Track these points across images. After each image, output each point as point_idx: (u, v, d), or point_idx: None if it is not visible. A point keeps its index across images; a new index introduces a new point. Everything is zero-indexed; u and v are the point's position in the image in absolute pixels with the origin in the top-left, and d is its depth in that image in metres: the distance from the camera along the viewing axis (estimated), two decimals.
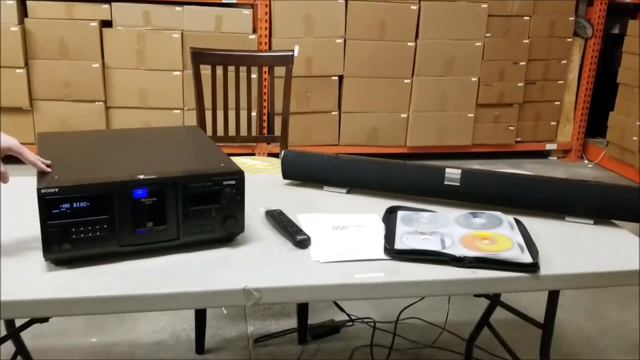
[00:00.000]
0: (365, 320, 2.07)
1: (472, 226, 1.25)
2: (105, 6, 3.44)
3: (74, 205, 1.06)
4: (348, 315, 2.04)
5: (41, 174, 1.10)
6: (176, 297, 1.03)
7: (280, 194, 1.51)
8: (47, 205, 1.04)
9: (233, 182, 1.17)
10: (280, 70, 2.12)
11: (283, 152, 1.57)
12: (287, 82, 2.12)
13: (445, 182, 1.41)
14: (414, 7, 3.70)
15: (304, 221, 1.32)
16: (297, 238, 1.20)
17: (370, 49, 3.75)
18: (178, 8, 3.49)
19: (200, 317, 1.88)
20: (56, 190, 1.05)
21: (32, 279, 1.04)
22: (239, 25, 3.54)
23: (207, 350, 1.91)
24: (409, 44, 3.77)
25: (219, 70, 2.07)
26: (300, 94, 3.71)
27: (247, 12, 3.55)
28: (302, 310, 1.95)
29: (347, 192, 1.53)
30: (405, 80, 3.85)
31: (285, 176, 1.57)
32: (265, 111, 3.43)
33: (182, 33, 3.51)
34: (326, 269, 1.12)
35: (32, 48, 3.40)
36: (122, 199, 1.09)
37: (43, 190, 1.04)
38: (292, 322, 2.07)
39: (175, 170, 1.16)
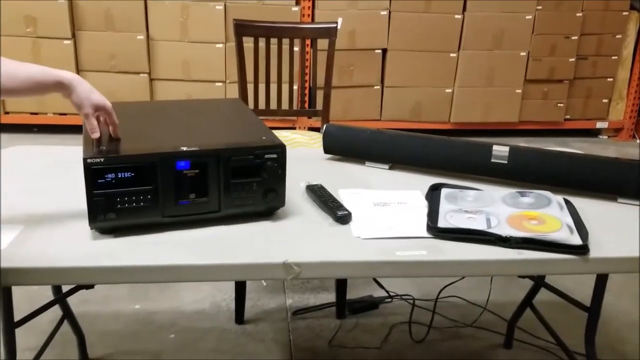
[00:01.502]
0: (404, 297, 2.06)
1: (519, 205, 1.21)
2: None
3: (119, 175, 1.07)
4: (387, 291, 2.03)
5: (88, 144, 1.12)
6: (217, 268, 1.03)
7: (321, 169, 1.50)
8: (93, 174, 1.06)
9: (275, 155, 1.16)
10: (323, 43, 2.09)
11: (325, 126, 1.55)
12: (330, 55, 2.09)
13: (492, 160, 1.37)
14: None
15: (345, 197, 1.31)
16: (338, 213, 1.19)
17: (415, 22, 3.66)
18: None
19: (240, 288, 1.90)
20: (102, 160, 1.06)
21: (78, 246, 1.06)
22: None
23: (247, 321, 1.94)
24: (456, 16, 3.67)
25: (262, 43, 2.06)
26: (342, 68, 3.66)
27: None
28: (341, 285, 1.95)
29: (390, 168, 1.50)
30: (451, 54, 3.75)
31: (326, 150, 1.56)
32: (307, 85, 3.40)
33: (225, 5, 3.49)
34: (367, 246, 1.10)
35: (79, 19, 3.45)
36: (165, 170, 1.10)
37: (89, 160, 1.05)
38: (330, 297, 2.07)
39: (218, 143, 1.15)
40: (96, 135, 1.12)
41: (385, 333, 1.90)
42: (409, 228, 1.16)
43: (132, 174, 1.08)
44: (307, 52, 3.47)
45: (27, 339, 1.58)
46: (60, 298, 1.58)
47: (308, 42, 2.24)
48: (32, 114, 3.57)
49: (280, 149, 1.17)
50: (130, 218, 1.10)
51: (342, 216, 1.18)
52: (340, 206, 1.22)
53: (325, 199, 1.25)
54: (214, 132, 1.27)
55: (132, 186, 1.09)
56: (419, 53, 3.73)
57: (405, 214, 1.23)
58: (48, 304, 1.46)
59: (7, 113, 3.55)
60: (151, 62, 3.57)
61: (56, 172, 1.37)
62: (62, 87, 1.09)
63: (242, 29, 2.04)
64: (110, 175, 1.07)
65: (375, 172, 1.48)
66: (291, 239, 1.12)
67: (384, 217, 1.21)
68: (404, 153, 1.48)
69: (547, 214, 1.17)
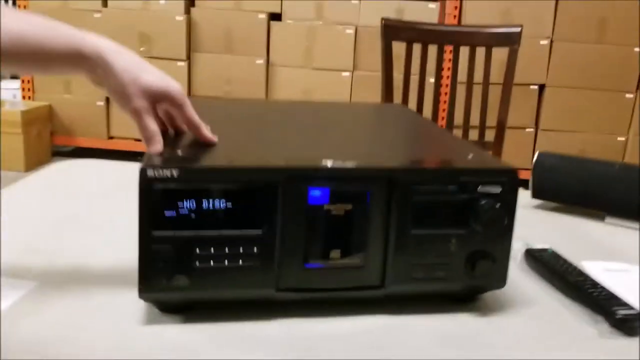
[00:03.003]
0: None
1: None
2: None
3: (204, 205, 0.56)
4: None
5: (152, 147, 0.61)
6: None
7: (532, 223, 0.91)
8: (156, 200, 0.55)
9: (498, 189, 0.60)
10: (498, 53, 1.54)
11: (537, 154, 0.98)
12: (510, 68, 1.53)
13: None
14: None
15: (598, 275, 0.71)
16: (619, 313, 0.59)
17: (583, 53, 3.00)
18: (354, 1, 3.04)
19: None
20: (175, 173, 0.55)
21: (116, 334, 0.55)
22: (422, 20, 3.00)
23: None
24: (635, 49, 2.97)
25: (416, 51, 1.54)
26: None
27: (433, 6, 3.00)
28: None
29: None
30: (627, 95, 3.03)
31: (537, 194, 0.97)
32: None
33: (356, 29, 3.05)
34: None
35: (196, 40, 3.13)
36: (289, 201, 0.57)
37: (151, 172, 0.54)
38: None
39: (387, 160, 0.62)
40: (156, 148, 0.60)
41: None
42: None
43: (229, 205, 0.56)
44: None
45: None
46: None
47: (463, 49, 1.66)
48: (137, 140, 3.27)
49: (509, 177, 0.60)
50: (217, 287, 0.57)
51: (626, 319, 0.59)
52: (614, 299, 0.62)
53: (578, 282, 0.66)
54: (378, 145, 0.74)
55: (226, 227, 0.56)
56: (585, 91, 3.05)
57: None
58: None
59: (111, 138, 3.28)
60: (269, 90, 3.17)
61: (112, 198, 0.89)
62: (83, 61, 0.58)
63: (393, 31, 1.53)
64: (188, 204, 0.56)
65: (625, 234, 0.87)
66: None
67: None
68: None
69: None
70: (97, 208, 0.84)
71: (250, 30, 3.10)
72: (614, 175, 0.90)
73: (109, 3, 3.08)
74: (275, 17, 3.12)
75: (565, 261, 0.72)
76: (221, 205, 0.56)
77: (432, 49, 1.54)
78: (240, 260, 0.57)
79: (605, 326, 0.60)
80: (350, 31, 3.05)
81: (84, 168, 1.04)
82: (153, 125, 0.59)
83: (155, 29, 3.09)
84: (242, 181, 0.56)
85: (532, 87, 3.07)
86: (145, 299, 0.57)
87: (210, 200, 0.56)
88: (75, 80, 3.11)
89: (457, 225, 0.60)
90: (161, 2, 3.06)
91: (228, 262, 0.57)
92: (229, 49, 3.13)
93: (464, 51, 1.57)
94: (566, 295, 0.66)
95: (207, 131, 0.63)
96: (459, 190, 0.59)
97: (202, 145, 0.63)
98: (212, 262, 0.57)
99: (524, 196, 0.98)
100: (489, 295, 0.66)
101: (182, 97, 0.62)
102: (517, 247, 0.76)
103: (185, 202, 0.55)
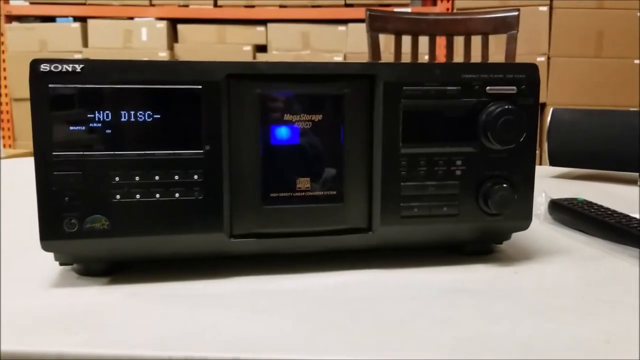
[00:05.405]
0: None
1: None
2: (261, 29, 3.03)
3: (123, 115, 0.42)
4: None
5: None
6: None
7: (555, 186, 0.77)
8: (56, 107, 0.41)
9: (513, 89, 0.46)
10: (495, 41, 1.42)
11: (552, 110, 0.85)
12: (510, 54, 1.40)
13: None
14: None
15: None
16: None
17: (581, 69, 2.91)
18: (341, 27, 2.97)
19: None
20: (80, 67, 0.41)
21: (17, 303, 0.39)
22: None
23: None
24: (635, 61, 2.88)
25: (405, 40, 1.43)
26: None
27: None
28: None
29: None
30: (632, 109, 2.92)
31: (555, 160, 0.83)
32: None
33: (344, 55, 2.97)
34: None
35: None
36: (236, 109, 0.43)
37: (46, 66, 0.41)
38: None
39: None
40: None
41: None
42: None
43: (156, 116, 0.42)
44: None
45: None
46: None
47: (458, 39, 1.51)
48: None
49: (528, 73, 0.47)
50: (147, 232, 0.42)
51: None
52: None
53: (622, 222, 0.51)
54: None
55: (155, 147, 0.42)
56: (587, 109, 2.94)
57: None
58: None
59: None
60: None
61: None
62: None
63: (379, 22, 1.42)
64: (100, 115, 0.41)
65: None
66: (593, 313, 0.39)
67: None
68: None
69: None
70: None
71: None
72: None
73: (90, 42, 3.01)
74: (261, 48, 3.05)
75: (601, 206, 0.57)
76: (146, 117, 0.42)
77: (423, 40, 1.43)
78: (177, 193, 0.43)
79: None
80: (339, 58, 2.96)
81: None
82: None
83: None
84: (172, 81, 0.42)
85: None
86: (49, 249, 0.42)
87: (132, 110, 0.42)
88: None
89: (463, 141, 0.45)
90: (143, 38, 2.99)
91: (160, 195, 0.42)
92: None
93: (458, 40, 1.46)
94: (610, 240, 0.51)
95: None
96: (463, 92, 0.45)
97: None
98: (138, 196, 0.42)
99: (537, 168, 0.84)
100: (510, 246, 0.50)
101: None
102: (539, 201, 0.61)
103: (97, 112, 0.41)
